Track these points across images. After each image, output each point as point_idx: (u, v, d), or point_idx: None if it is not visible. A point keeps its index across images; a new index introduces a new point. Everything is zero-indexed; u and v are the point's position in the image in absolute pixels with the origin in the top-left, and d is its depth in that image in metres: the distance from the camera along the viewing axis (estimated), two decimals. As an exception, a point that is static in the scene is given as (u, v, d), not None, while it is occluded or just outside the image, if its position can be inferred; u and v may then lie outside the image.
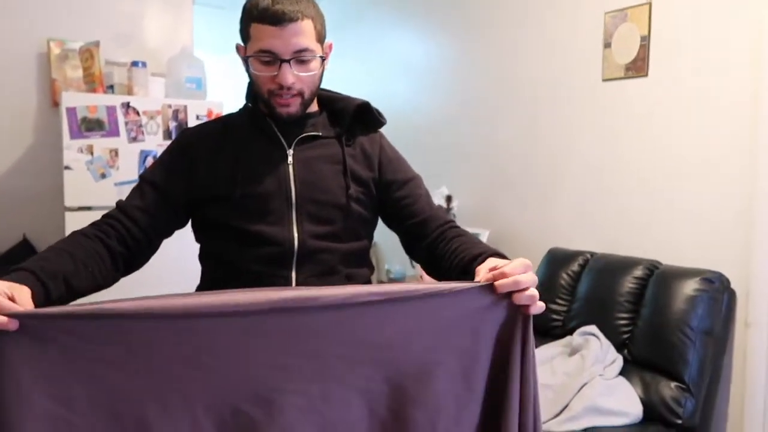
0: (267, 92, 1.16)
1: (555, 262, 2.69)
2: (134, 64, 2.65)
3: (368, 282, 1.30)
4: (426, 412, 0.90)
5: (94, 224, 1.13)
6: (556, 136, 2.92)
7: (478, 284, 0.89)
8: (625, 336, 2.26)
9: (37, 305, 0.86)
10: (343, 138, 1.24)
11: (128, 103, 2.55)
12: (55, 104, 2.73)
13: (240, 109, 1.29)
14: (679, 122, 2.38)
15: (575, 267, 2.59)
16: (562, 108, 2.89)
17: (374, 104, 1.31)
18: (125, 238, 1.12)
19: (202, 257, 1.27)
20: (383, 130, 1.33)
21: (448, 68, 3.61)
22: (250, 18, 1.13)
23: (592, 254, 2.59)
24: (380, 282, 3.59)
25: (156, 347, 0.81)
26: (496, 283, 0.88)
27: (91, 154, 2.49)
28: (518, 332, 0.91)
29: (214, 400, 0.83)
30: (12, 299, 0.80)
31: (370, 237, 1.30)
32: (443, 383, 0.91)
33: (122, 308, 0.79)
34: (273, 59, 1.12)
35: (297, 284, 1.16)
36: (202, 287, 1.25)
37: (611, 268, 2.42)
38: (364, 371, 0.88)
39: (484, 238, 3.13)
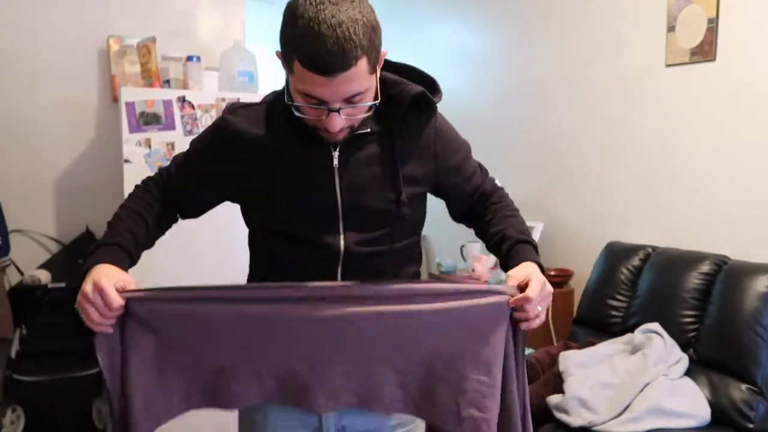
0: (312, 126, 1.06)
1: (614, 256, 2.59)
2: (189, 59, 2.70)
3: (416, 277, 1.27)
4: (451, 392, 1.06)
5: (146, 191, 1.20)
6: (615, 124, 2.81)
7: (499, 290, 1.07)
8: (691, 334, 2.16)
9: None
10: (394, 133, 1.12)
11: (184, 97, 2.59)
12: (115, 99, 2.80)
13: (282, 98, 1.12)
14: (749, 109, 2.24)
15: (636, 261, 2.49)
16: (621, 95, 2.77)
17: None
18: (160, 210, 1.19)
19: (250, 245, 1.26)
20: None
21: (500, 56, 3.53)
22: (293, 52, 0.95)
23: (654, 248, 2.49)
24: (431, 275, 3.56)
25: (232, 324, 1.06)
26: (511, 301, 1.04)
27: (149, 147, 2.54)
28: (514, 335, 1.09)
29: (274, 362, 1.08)
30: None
31: (420, 229, 1.26)
32: (469, 367, 1.06)
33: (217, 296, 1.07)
34: (320, 103, 0.99)
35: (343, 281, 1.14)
36: (251, 274, 1.26)
37: (675, 262, 2.32)
38: (400, 351, 1.07)
39: (537, 231, 3.04)
